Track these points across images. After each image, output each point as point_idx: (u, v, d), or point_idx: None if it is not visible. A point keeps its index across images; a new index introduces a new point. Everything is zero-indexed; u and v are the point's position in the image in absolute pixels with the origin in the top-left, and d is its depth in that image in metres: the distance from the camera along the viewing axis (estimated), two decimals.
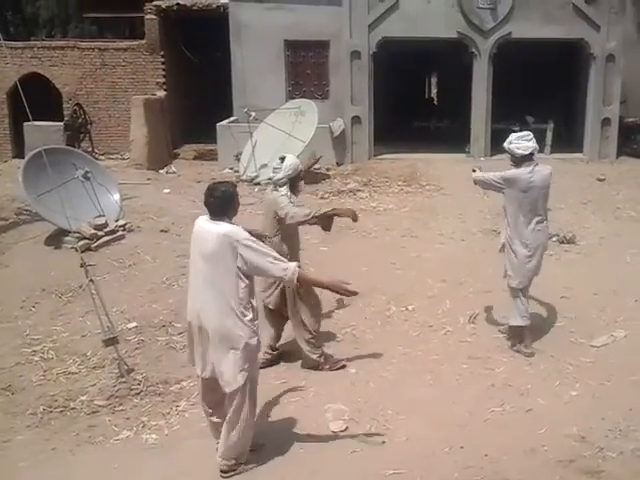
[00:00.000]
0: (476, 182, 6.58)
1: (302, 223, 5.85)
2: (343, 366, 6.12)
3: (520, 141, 6.15)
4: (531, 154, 6.14)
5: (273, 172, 5.92)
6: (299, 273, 4.33)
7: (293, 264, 4.38)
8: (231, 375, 4.34)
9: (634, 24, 16.42)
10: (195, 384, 5.93)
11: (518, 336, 6.36)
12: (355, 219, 6.09)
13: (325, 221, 5.97)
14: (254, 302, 4.45)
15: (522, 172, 6.14)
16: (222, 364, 4.35)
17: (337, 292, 4.56)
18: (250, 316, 4.37)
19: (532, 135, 6.21)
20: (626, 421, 4.97)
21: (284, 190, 5.84)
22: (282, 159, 5.92)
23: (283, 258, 4.47)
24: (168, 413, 5.48)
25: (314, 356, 6.07)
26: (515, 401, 5.41)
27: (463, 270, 8.23)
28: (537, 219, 6.21)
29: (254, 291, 4.47)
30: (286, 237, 5.91)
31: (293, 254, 5.87)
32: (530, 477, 4.34)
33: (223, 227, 4.33)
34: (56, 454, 4.90)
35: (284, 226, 5.83)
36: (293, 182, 5.91)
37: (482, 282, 7.75)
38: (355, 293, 4.52)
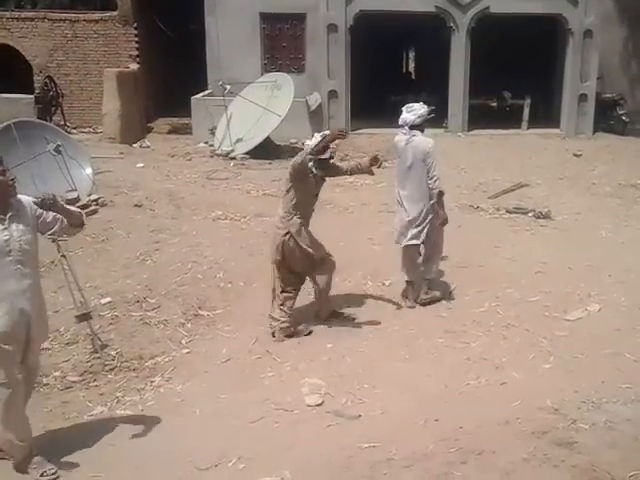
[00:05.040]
0: None
1: None
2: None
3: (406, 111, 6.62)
4: (413, 126, 6.56)
5: None
6: None
7: None
8: None
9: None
10: (169, 359, 5.90)
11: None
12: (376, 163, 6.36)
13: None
14: None
15: (399, 139, 6.70)
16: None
17: None
18: None
19: (418, 108, 6.62)
20: (599, 393, 5.01)
21: None
22: None
23: None
24: (143, 389, 5.44)
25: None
26: (490, 374, 5.42)
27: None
28: (408, 188, 6.62)
29: None
30: None
31: None
32: (504, 448, 4.35)
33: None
34: None
35: None
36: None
37: (458, 257, 7.76)
38: None
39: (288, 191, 6.08)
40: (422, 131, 6.68)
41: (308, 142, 6.27)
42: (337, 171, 6.51)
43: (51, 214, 4.34)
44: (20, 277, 4.20)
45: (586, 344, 5.84)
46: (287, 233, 6.08)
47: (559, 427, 4.56)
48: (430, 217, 6.66)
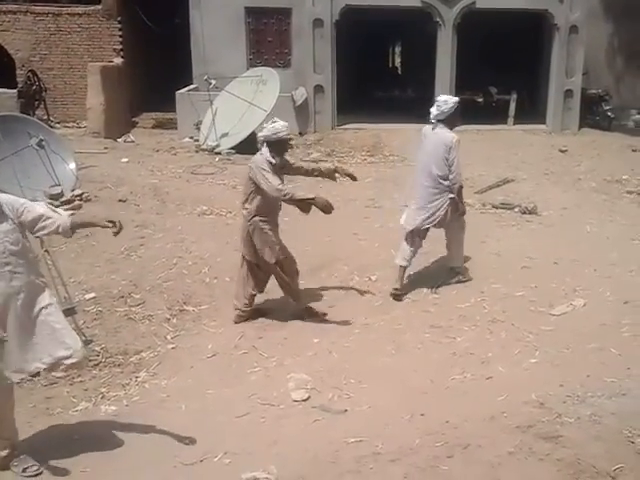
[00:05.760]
0: None
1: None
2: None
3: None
4: (437, 120, 6.76)
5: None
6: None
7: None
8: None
9: None
10: (155, 355, 5.86)
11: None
12: (328, 212, 5.93)
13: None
14: None
15: (426, 129, 6.96)
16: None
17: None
18: None
19: (441, 102, 6.81)
20: (583, 387, 5.03)
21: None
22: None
23: None
24: (127, 384, 5.41)
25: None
26: (476, 369, 5.44)
27: (426, 240, 8.21)
28: (423, 176, 6.82)
29: None
30: None
31: None
32: (490, 442, 4.36)
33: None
34: None
35: None
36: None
37: (445, 252, 7.76)
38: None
39: (250, 192, 6.07)
40: (450, 125, 6.79)
41: (260, 134, 6.14)
42: (295, 170, 6.40)
43: (31, 215, 4.18)
44: (10, 279, 4.09)
45: (571, 339, 5.86)
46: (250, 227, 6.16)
47: (544, 421, 4.58)
48: (442, 207, 6.84)
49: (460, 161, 6.76)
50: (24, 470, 4.26)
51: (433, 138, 6.81)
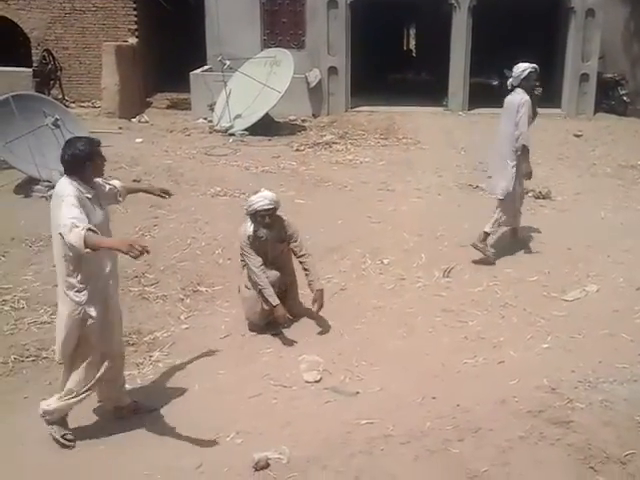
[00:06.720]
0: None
1: None
2: None
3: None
4: (512, 86, 7.20)
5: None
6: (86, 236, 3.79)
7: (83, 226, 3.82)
8: None
9: None
10: (168, 335, 5.91)
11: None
12: (282, 322, 5.72)
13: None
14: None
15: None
16: None
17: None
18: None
19: (515, 68, 7.23)
20: (595, 373, 5.05)
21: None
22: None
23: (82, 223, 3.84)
24: (141, 363, 5.45)
25: None
26: (487, 353, 5.46)
27: (439, 224, 8.23)
28: (502, 143, 7.19)
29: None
30: None
31: None
32: (501, 426, 4.39)
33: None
34: (28, 403, 4.84)
35: None
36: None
37: (458, 236, 7.77)
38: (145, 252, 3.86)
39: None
40: (527, 91, 7.08)
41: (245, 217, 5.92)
42: (290, 248, 5.99)
43: (107, 187, 4.48)
44: (113, 256, 4.34)
45: (584, 324, 5.87)
46: None
47: (555, 406, 4.60)
48: (510, 173, 7.10)
49: (526, 122, 6.96)
50: (63, 435, 4.43)
51: (508, 104, 7.13)
